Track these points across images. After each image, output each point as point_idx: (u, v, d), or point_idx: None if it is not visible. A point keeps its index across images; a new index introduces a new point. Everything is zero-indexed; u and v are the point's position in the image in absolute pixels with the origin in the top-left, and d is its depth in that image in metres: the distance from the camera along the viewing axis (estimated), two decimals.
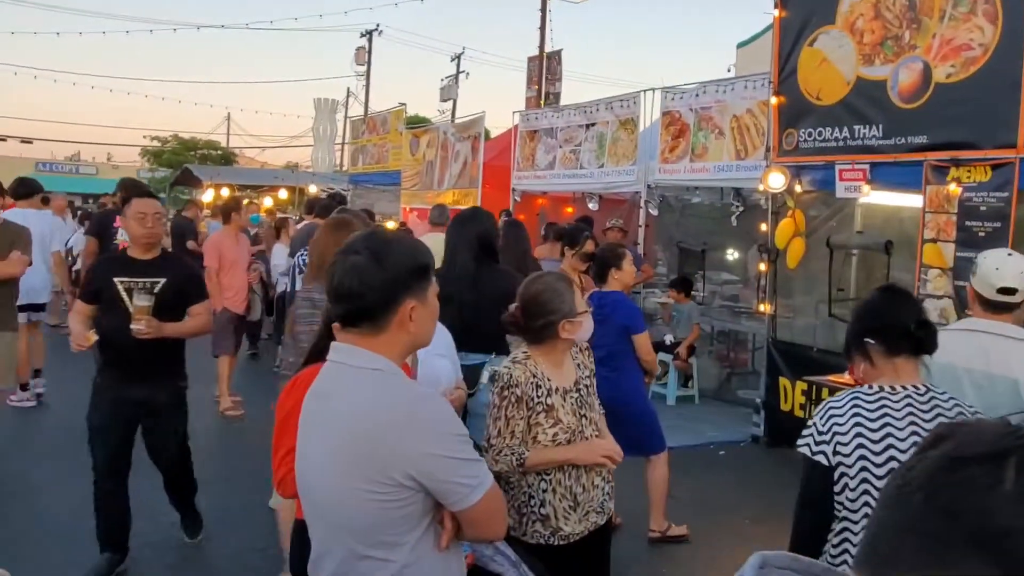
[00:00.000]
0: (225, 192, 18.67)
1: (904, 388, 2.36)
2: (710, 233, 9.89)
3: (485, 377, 3.97)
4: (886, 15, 6.12)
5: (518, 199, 12.70)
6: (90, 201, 25.71)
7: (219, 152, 34.42)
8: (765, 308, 7.19)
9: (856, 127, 6.33)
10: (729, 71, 22.53)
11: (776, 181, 6.80)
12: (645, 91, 10.49)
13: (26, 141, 44.69)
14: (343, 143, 34.41)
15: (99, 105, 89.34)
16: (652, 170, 10.10)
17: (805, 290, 7.16)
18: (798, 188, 6.85)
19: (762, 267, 7.28)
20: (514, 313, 2.90)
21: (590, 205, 11.29)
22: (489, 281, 4.10)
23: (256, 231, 10.97)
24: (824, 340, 6.81)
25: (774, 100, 7.08)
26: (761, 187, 7.10)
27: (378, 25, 33.76)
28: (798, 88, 6.84)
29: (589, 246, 5.53)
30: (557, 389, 2.85)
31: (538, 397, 2.79)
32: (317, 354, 2.50)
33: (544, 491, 2.82)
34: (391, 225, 14.19)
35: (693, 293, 9.11)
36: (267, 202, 16.08)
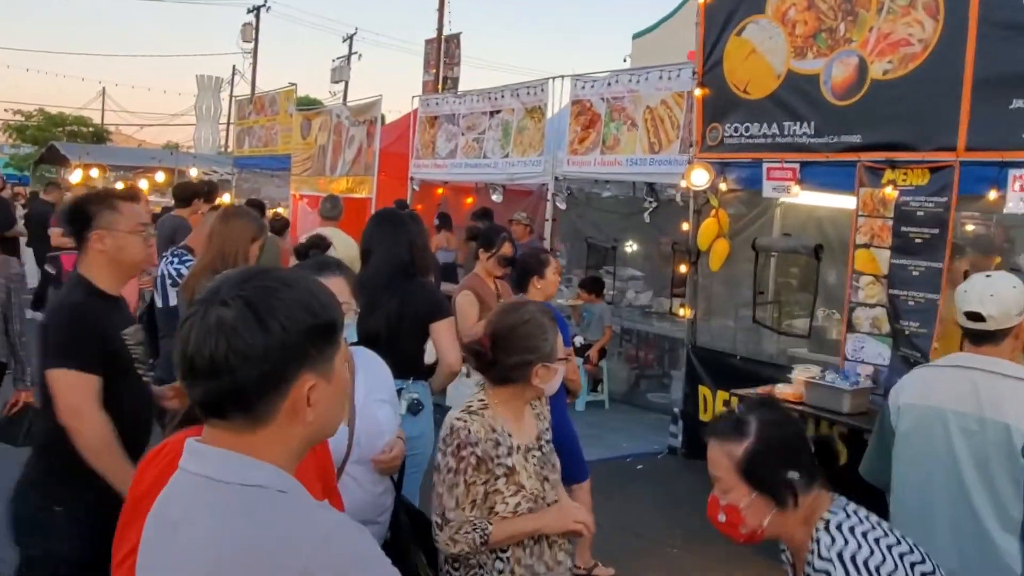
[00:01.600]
0: (95, 173, 17.19)
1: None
2: (620, 229, 9.48)
3: (403, 407, 3.37)
4: (820, 6, 5.76)
5: (416, 188, 12.02)
6: None
7: (90, 129, 32.10)
8: (685, 312, 6.79)
9: (786, 123, 5.97)
10: (625, 62, 22.48)
11: (699, 178, 6.39)
12: (554, 78, 9.98)
13: None
14: (228, 123, 32.84)
15: None
16: (560, 161, 9.61)
17: (727, 294, 6.80)
18: (723, 186, 6.46)
19: (682, 268, 6.88)
20: (481, 343, 2.30)
21: (493, 197, 10.72)
22: (413, 298, 3.49)
23: None
24: (747, 347, 6.46)
25: (698, 92, 6.68)
26: (683, 183, 6.68)
27: (266, 0, 32.17)
28: (724, 80, 6.44)
29: (507, 249, 4.95)
30: (518, 447, 2.29)
31: (498, 458, 2.21)
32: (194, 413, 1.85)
33: (500, 572, 2.24)
34: (281, 211, 13.30)
35: (604, 293, 8.66)
36: (142, 185, 14.80)
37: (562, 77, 9.85)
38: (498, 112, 10.67)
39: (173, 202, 6.55)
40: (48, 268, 7.90)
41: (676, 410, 6.82)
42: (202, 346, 1.17)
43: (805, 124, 5.85)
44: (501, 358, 2.27)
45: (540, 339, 2.28)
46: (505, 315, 2.34)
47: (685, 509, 5.63)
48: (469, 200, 12.77)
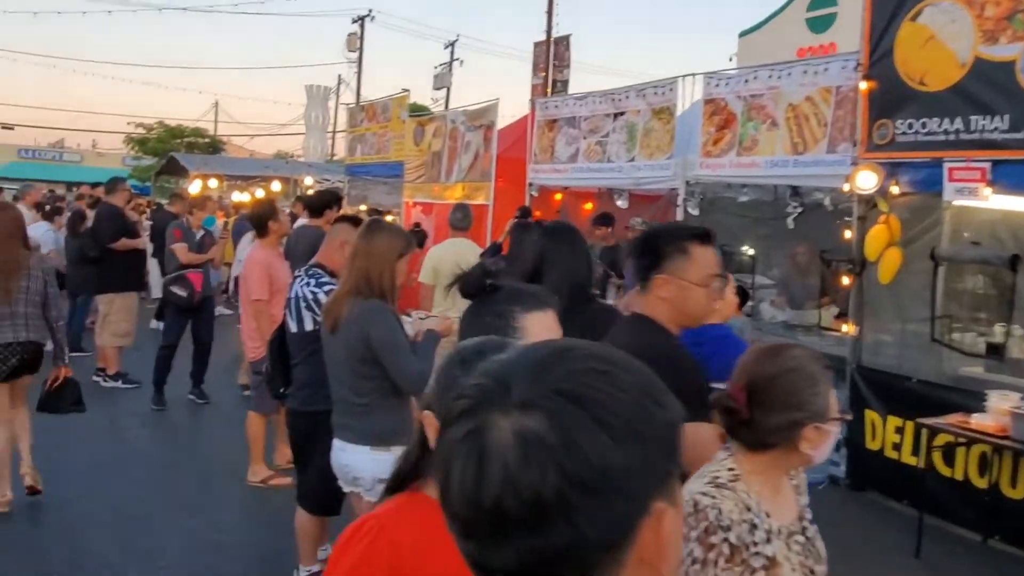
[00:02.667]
0: (213, 183, 17.50)
1: None
2: (759, 236, 8.86)
3: None
4: None
5: (535, 194, 11.62)
6: (73, 189, 24.49)
7: (206, 140, 33.12)
8: (849, 329, 6.15)
9: (973, 118, 5.30)
10: (731, 61, 21.61)
11: (867, 181, 5.77)
12: (684, 76, 9.44)
13: (7, 127, 43.32)
14: (333, 131, 33.31)
15: (81, 90, 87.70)
16: (692, 165, 9.06)
17: (897, 309, 6.12)
18: (894, 189, 5.81)
19: (845, 280, 6.25)
20: (734, 395, 1.85)
21: (618, 202, 10.25)
22: (598, 324, 3.04)
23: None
24: (924, 370, 5.78)
25: (863, 85, 6.05)
26: (845, 187, 6.06)
27: (370, 10, 32.55)
28: (895, 71, 5.81)
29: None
30: (779, 531, 1.81)
31: (754, 545, 1.75)
32: (410, 474, 1.48)
33: None
34: (389, 219, 13.13)
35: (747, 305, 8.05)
36: (259, 195, 14.94)
37: (692, 75, 9.31)
38: (622, 114, 10.19)
39: (296, 211, 6.29)
40: (178, 290, 7.53)
41: (839, 436, 6.18)
42: (514, 483, 0.74)
43: (997, 118, 5.18)
44: (759, 417, 1.80)
45: (809, 392, 1.80)
46: (764, 361, 1.86)
47: (848, 544, 5.01)
48: (588, 206, 12.33)
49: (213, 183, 17.23)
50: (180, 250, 7.66)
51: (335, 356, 3.41)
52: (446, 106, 25.25)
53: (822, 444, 1.82)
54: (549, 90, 19.92)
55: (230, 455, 6.10)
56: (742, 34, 16.07)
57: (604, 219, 9.64)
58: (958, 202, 5.56)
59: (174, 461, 6.34)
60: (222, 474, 5.94)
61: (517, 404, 0.77)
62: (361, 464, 3.31)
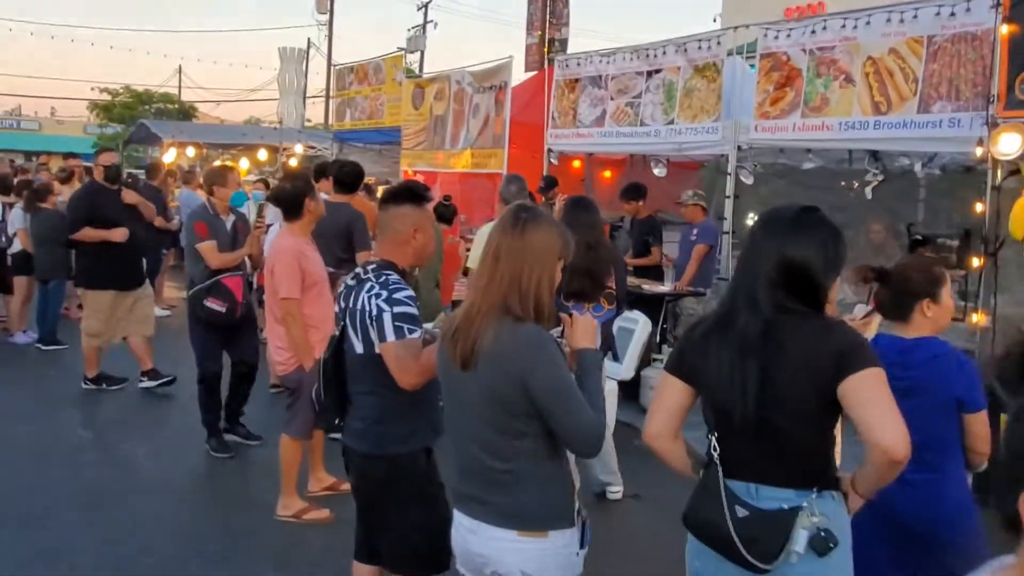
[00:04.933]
0: (191, 152, 16.19)
1: None
2: (832, 209, 7.88)
3: (800, 541, 2.06)
4: None
5: (554, 161, 10.59)
6: (33, 159, 22.94)
7: (176, 106, 31.42)
8: (979, 319, 5.26)
9: None
10: (715, 22, 20.64)
11: (1010, 144, 4.88)
12: (735, 28, 8.44)
13: None
14: (304, 96, 31.82)
15: (39, 54, 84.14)
16: (745, 128, 8.10)
17: None
18: None
19: (975, 262, 5.35)
20: None
21: (656, 171, 9.26)
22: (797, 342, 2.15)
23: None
24: None
25: (1005, 29, 5.08)
26: (977, 151, 5.14)
27: None
28: None
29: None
30: None
31: None
32: None
33: None
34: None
35: None
36: (243, 164, 13.70)
37: (746, 26, 8.31)
38: (658, 71, 9.18)
39: (315, 182, 5.13)
40: (215, 305, 5.57)
41: None
42: None
43: None
44: None
45: None
46: None
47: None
48: (607, 174, 11.35)
49: (190, 152, 15.94)
50: (209, 251, 5.57)
51: (464, 399, 2.39)
52: (420, 70, 23.95)
53: None
54: (546, 49, 18.80)
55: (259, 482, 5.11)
56: None
57: (634, 191, 8.66)
58: None
59: (184, 494, 5.30)
60: (246, 508, 4.93)
61: None
62: (503, 555, 2.33)
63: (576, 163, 10.95)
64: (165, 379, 7.14)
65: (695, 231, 7.78)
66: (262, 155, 15.12)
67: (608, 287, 4.77)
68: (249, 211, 6.21)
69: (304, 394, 4.45)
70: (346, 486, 3.50)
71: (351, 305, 3.08)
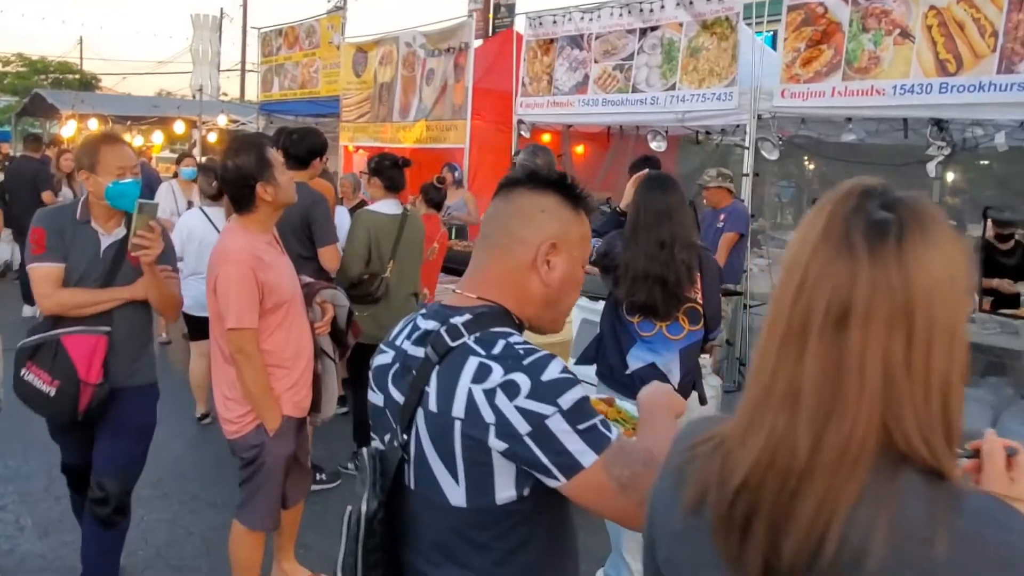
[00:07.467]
0: (94, 124, 14.17)
1: None
2: None
3: None
4: None
5: (525, 134, 9.20)
6: None
7: (76, 76, 28.68)
8: None
9: None
10: None
11: None
12: None
13: None
14: (219, 67, 29.53)
15: None
16: (768, 93, 6.86)
17: None
18: None
19: None
20: None
21: (653, 144, 7.95)
22: None
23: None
24: None
25: None
26: None
27: None
28: None
29: None
30: None
31: None
32: None
33: None
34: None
35: None
36: (156, 138, 11.85)
37: None
38: (654, 29, 7.86)
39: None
40: (37, 382, 3.02)
41: None
42: None
43: None
44: None
45: None
46: None
47: None
48: (579, 149, 10.02)
49: (93, 124, 13.93)
50: (42, 283, 3.03)
51: None
52: (342, 31, 22.23)
53: None
54: (492, 13, 17.38)
55: None
56: None
57: (647, 166, 7.32)
58: None
59: None
60: None
61: None
62: None
63: (546, 136, 9.55)
64: None
65: (721, 216, 6.50)
66: (179, 128, 13.24)
67: (691, 300, 3.43)
68: (175, 198, 4.51)
69: (266, 469, 2.99)
70: None
71: (425, 405, 1.47)
